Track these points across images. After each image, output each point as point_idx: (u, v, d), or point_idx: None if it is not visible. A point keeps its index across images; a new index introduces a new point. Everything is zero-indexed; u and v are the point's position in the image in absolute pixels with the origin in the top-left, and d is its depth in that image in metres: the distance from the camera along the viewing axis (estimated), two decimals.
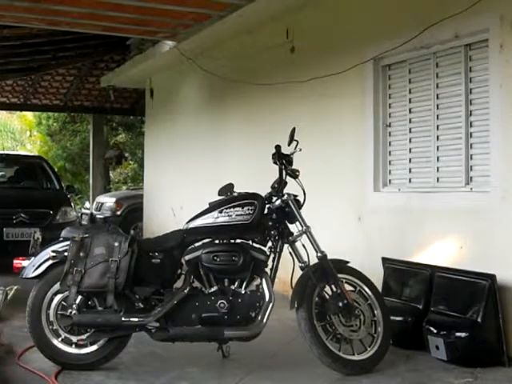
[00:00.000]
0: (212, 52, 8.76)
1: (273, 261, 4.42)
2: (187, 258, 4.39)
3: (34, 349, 4.60)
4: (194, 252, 4.38)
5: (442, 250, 5.23)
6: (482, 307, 4.54)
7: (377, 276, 5.14)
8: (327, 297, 4.39)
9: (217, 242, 4.41)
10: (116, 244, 4.32)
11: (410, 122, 5.81)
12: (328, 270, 4.37)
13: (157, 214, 11.36)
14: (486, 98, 4.98)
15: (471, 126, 5.16)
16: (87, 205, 15.27)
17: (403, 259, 5.41)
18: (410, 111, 5.81)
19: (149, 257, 4.41)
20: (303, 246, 4.45)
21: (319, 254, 4.41)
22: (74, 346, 4.42)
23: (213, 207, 4.44)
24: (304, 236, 4.46)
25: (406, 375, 4.36)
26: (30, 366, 4.41)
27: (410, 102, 5.82)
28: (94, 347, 4.41)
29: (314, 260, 4.44)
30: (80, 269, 4.28)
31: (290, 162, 4.53)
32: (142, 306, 4.35)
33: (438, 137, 5.49)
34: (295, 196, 4.50)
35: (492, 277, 4.57)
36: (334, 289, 4.37)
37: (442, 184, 5.45)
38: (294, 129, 4.53)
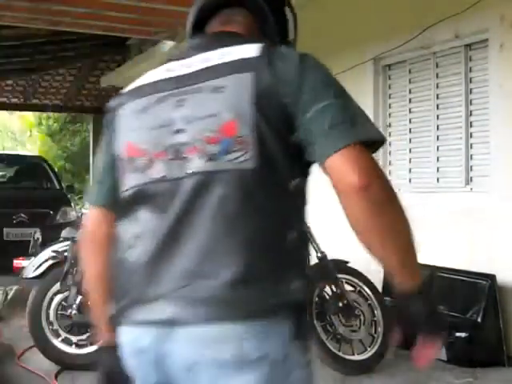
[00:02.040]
0: None
1: None
2: None
3: (33, 349, 4.60)
4: None
5: (442, 250, 5.23)
6: (482, 307, 4.54)
7: (377, 276, 5.13)
8: (327, 297, 4.39)
9: None
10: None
11: (410, 122, 5.81)
12: (328, 270, 4.37)
13: None
14: (486, 98, 4.98)
15: (471, 126, 5.16)
16: (87, 205, 15.26)
17: None
18: (410, 111, 5.81)
19: None
20: None
21: (319, 254, 4.41)
22: (73, 345, 4.43)
23: None
24: None
25: (406, 375, 4.36)
26: (30, 366, 4.41)
27: (410, 102, 5.82)
28: (94, 347, 4.41)
29: (314, 260, 4.44)
30: (80, 269, 4.28)
31: None
32: None
33: (438, 137, 5.49)
34: None
35: (492, 277, 4.57)
36: (334, 289, 4.37)
37: (442, 184, 5.45)
38: None
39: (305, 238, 1.46)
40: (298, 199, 1.42)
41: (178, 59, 1.51)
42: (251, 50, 1.39)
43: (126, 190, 1.46)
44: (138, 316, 1.36)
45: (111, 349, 1.47)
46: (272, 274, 1.30)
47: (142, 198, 1.42)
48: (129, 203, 1.46)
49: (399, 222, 1.32)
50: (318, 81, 1.36)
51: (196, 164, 1.35)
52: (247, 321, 1.26)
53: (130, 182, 1.45)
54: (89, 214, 1.64)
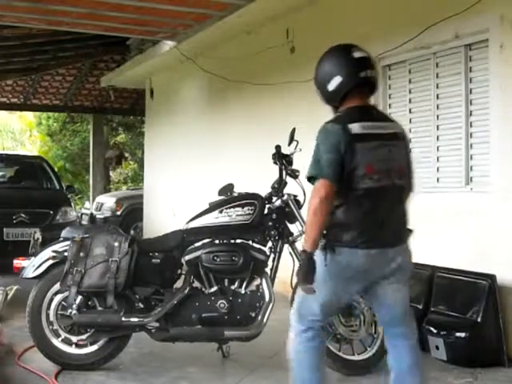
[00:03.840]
0: (212, 52, 8.76)
1: (273, 261, 4.42)
2: (187, 258, 4.38)
3: (34, 349, 4.61)
4: (193, 252, 4.38)
5: (442, 250, 5.23)
6: (481, 307, 4.54)
7: None
8: None
9: (217, 242, 4.41)
10: (116, 244, 4.32)
11: (410, 122, 5.81)
12: None
13: (157, 214, 11.37)
14: (486, 98, 4.98)
15: (471, 126, 5.16)
16: (87, 205, 15.27)
17: None
18: (410, 111, 5.82)
19: (149, 257, 4.40)
20: None
21: None
22: (73, 345, 4.43)
23: (213, 207, 4.44)
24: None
25: None
26: (30, 366, 4.41)
27: (410, 102, 5.82)
28: (94, 347, 4.42)
29: None
30: (80, 269, 4.28)
31: (290, 162, 4.53)
32: (141, 306, 4.36)
33: (438, 137, 5.49)
34: (295, 196, 4.50)
35: (492, 277, 4.57)
36: None
37: (442, 184, 5.45)
38: (294, 129, 4.52)
39: None
40: None
41: (367, 121, 3.03)
42: (400, 127, 3.20)
43: (363, 186, 2.94)
44: (377, 244, 2.98)
45: (312, 254, 2.95)
46: (408, 229, 3.13)
47: (372, 192, 2.96)
48: (363, 193, 2.95)
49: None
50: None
51: (397, 181, 3.02)
52: (406, 242, 3.11)
53: (366, 185, 2.95)
54: (324, 182, 2.92)
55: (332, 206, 2.95)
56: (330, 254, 2.97)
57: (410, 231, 3.13)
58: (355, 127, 2.96)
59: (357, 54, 3.09)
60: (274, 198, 4.50)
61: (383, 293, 3.10)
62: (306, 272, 2.94)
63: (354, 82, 3.04)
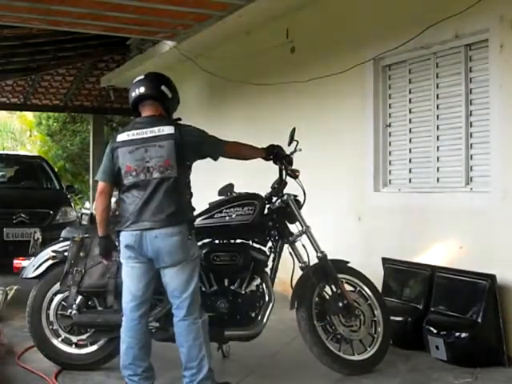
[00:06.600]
0: (212, 52, 8.76)
1: (273, 261, 4.42)
2: None
3: (34, 349, 4.61)
4: None
5: (442, 250, 5.23)
6: (482, 307, 4.54)
7: (377, 276, 5.14)
8: (327, 297, 4.39)
9: (217, 242, 4.41)
10: (116, 244, 4.32)
11: (410, 122, 5.82)
12: (328, 270, 4.37)
13: None
14: (486, 99, 4.98)
15: (471, 126, 5.16)
16: (87, 205, 15.25)
17: (403, 259, 5.41)
18: (410, 111, 5.81)
19: None
20: (303, 246, 4.45)
21: (319, 254, 4.41)
22: (74, 345, 4.43)
23: (213, 207, 4.45)
24: (304, 236, 4.46)
25: (406, 375, 4.37)
26: (30, 366, 4.41)
27: (410, 102, 5.82)
28: (94, 347, 4.42)
29: (314, 260, 4.44)
30: (80, 269, 4.29)
31: (290, 162, 4.53)
32: None
33: (438, 137, 5.49)
34: (295, 196, 4.50)
35: (492, 277, 4.57)
36: (334, 289, 4.37)
37: (442, 184, 5.45)
38: (294, 129, 4.52)
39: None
40: (189, 189, 3.95)
41: (135, 129, 3.81)
42: (171, 129, 3.76)
43: (128, 182, 3.77)
44: (137, 227, 3.72)
45: (107, 237, 3.94)
46: (176, 213, 3.73)
47: (135, 185, 3.76)
48: (128, 187, 3.78)
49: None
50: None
51: (156, 175, 3.72)
52: (170, 226, 3.69)
53: (129, 180, 3.78)
54: (100, 183, 3.86)
55: (109, 201, 3.87)
56: (118, 238, 3.84)
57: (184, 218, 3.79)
58: (122, 136, 3.81)
59: (134, 80, 4.01)
60: (274, 198, 4.51)
61: (163, 276, 3.77)
62: (103, 251, 3.98)
63: (131, 100, 3.94)
